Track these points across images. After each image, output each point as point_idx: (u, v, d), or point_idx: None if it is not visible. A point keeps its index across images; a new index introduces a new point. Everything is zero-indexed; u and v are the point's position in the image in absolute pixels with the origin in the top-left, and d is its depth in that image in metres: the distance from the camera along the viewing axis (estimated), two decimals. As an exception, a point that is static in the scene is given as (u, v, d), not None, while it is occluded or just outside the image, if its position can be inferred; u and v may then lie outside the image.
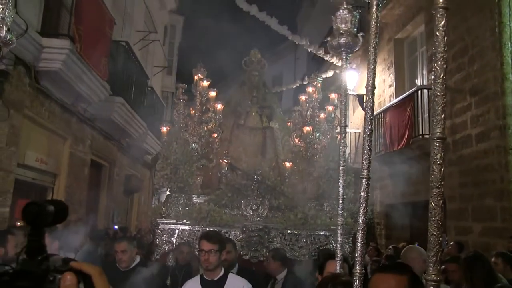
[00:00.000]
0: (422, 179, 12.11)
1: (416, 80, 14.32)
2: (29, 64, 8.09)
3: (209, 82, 8.06)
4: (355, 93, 17.12)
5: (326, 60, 17.57)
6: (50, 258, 1.28)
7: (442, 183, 1.75)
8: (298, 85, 19.84)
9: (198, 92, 7.95)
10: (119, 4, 13.65)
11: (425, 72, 13.48)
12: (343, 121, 2.89)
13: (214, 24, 23.83)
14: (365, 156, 2.58)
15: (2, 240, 5.28)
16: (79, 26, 8.76)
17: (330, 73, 18.23)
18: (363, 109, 16.69)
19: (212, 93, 8.04)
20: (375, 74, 2.60)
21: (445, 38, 1.80)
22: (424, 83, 13.15)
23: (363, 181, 2.61)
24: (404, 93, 13.42)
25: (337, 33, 3.37)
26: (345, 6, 3.37)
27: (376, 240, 14.75)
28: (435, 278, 1.73)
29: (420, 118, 12.04)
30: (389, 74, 15.57)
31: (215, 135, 7.95)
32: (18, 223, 7.31)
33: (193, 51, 25.17)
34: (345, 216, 7.25)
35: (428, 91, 12.05)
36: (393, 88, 15.15)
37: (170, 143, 7.34)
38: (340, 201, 3.38)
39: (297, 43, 15.89)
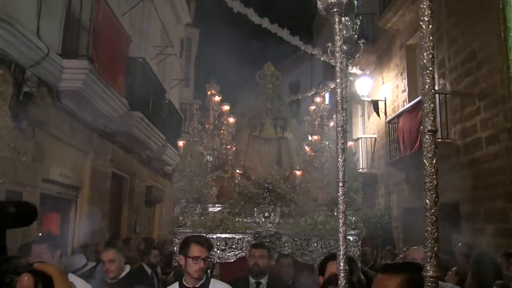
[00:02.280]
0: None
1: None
2: (51, 84, 8.48)
3: (220, 98, 8.37)
4: (369, 99, 17.37)
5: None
6: (12, 260, 1.22)
7: (435, 176, 1.75)
8: (313, 93, 20.08)
9: (211, 107, 8.27)
10: (135, 22, 14.06)
11: (436, 76, 13.68)
12: (341, 122, 2.83)
13: (230, 35, 24.09)
14: (340, 160, 2.64)
15: None
16: (97, 46, 9.14)
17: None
18: (378, 114, 16.96)
19: (226, 107, 8.35)
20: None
21: (430, 27, 1.78)
22: (436, 88, 13.35)
23: (340, 184, 2.63)
24: (417, 97, 13.64)
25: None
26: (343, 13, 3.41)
27: (394, 243, 14.92)
28: (433, 274, 1.69)
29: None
30: (402, 80, 15.76)
31: (229, 147, 8.24)
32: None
33: (210, 62, 25.59)
34: (354, 220, 7.56)
35: (439, 96, 12.28)
36: (406, 94, 15.35)
37: (185, 156, 7.67)
38: (340, 201, 3.43)
39: (309, 52, 16.12)
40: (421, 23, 1.75)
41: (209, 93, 8.38)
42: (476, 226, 10.55)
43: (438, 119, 12.14)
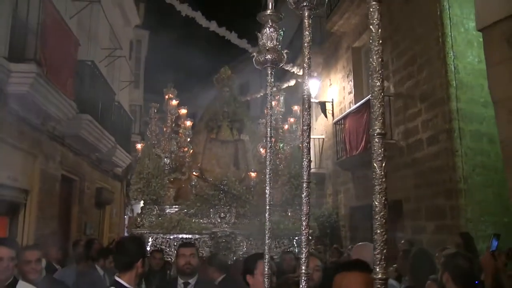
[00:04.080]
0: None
1: (374, 87, 14.92)
2: (-2, 88, 8.48)
3: (177, 101, 8.51)
4: (317, 101, 17.72)
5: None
6: None
7: (384, 179, 1.70)
8: (262, 94, 20.33)
9: (168, 110, 8.40)
10: (84, 24, 14.03)
11: (381, 79, 14.04)
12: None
13: (180, 36, 24.11)
14: (305, 160, 2.50)
15: None
16: (45, 49, 9.14)
17: (292, 82, 18.83)
18: (325, 115, 17.34)
19: (183, 111, 8.50)
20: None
21: (379, 31, 1.72)
22: (380, 90, 13.72)
23: (304, 185, 2.46)
24: (363, 99, 14.02)
25: (264, 49, 3.57)
26: (270, 24, 3.55)
27: (341, 242, 15.29)
28: (381, 276, 1.66)
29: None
30: (348, 82, 16.17)
31: (186, 149, 8.37)
32: None
33: (160, 63, 25.57)
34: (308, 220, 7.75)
35: (383, 98, 12.66)
36: (352, 95, 15.74)
37: (143, 159, 7.77)
38: (267, 207, 3.44)
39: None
40: (370, 26, 1.70)
41: (166, 97, 8.53)
42: (418, 223, 10.95)
43: (382, 121, 12.54)
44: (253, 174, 8.33)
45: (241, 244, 7.48)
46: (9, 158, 9.38)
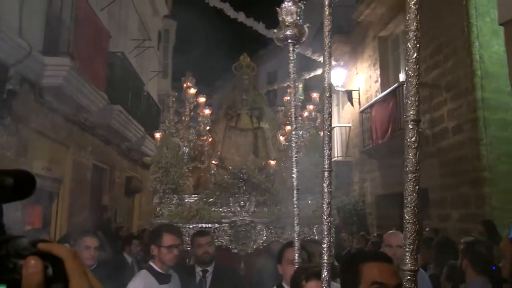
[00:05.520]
0: (404, 171, 12.83)
1: (400, 75, 14.99)
2: (33, 81, 8.74)
3: (196, 90, 8.54)
4: (343, 89, 17.81)
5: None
6: (12, 240, 0.99)
7: (418, 167, 1.69)
8: (289, 83, 20.38)
9: (187, 99, 8.47)
10: (114, 16, 14.29)
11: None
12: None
13: (208, 26, 24.32)
14: (326, 149, 2.52)
15: None
16: (77, 43, 9.43)
17: (319, 71, 18.90)
18: (352, 104, 17.42)
19: (201, 99, 8.55)
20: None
21: (418, 16, 1.73)
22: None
23: (325, 174, 2.51)
24: (389, 88, 14.08)
25: (283, 25, 3.33)
26: None
27: (368, 229, 15.39)
28: (411, 267, 1.63)
29: (402, 112, 12.74)
30: (375, 71, 16.21)
31: (204, 138, 8.41)
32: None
33: (188, 53, 25.78)
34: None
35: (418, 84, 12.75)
36: (378, 84, 15.81)
37: (162, 148, 7.77)
38: (295, 192, 3.40)
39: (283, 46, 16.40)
40: (408, 10, 1.72)
41: (185, 85, 8.51)
42: (443, 212, 11.04)
43: (408, 109, 12.63)
44: (272, 162, 8.28)
45: (261, 232, 7.36)
46: (43, 148, 9.69)
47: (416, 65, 1.67)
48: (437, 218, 11.31)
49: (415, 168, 1.69)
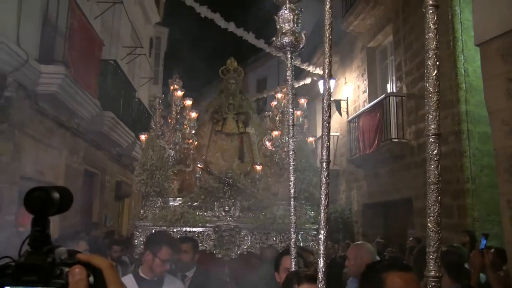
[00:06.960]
0: (390, 180, 13.09)
1: (387, 85, 15.25)
2: (29, 88, 8.94)
3: (183, 92, 8.41)
4: (332, 99, 18.01)
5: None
6: (55, 250, 1.13)
7: (440, 179, 1.76)
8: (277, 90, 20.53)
9: (173, 101, 8.30)
10: (106, 24, 14.50)
11: (394, 79, 14.34)
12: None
13: (199, 32, 24.52)
14: (325, 141, 2.47)
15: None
16: (72, 51, 9.64)
17: (308, 80, 19.20)
18: (340, 113, 17.68)
19: (188, 102, 8.35)
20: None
21: (437, 36, 1.78)
22: (394, 90, 14.07)
23: (323, 164, 2.44)
24: (377, 98, 14.34)
25: (280, 33, 3.39)
26: (287, 6, 3.37)
27: (353, 237, 15.60)
28: (435, 274, 1.70)
29: (390, 122, 13.00)
30: (363, 81, 16.47)
31: (190, 141, 8.36)
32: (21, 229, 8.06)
33: (179, 59, 25.96)
34: (314, 215, 7.62)
35: (395, 98, 13.03)
36: (366, 94, 16.07)
37: (147, 150, 7.72)
38: (292, 201, 3.42)
39: (274, 54, 16.66)
40: (426, 30, 1.77)
41: (171, 87, 8.48)
42: (426, 221, 11.25)
43: (395, 120, 12.90)
44: (258, 168, 8.25)
45: (246, 238, 7.34)
46: (37, 153, 9.87)
47: (437, 82, 1.76)
48: (420, 227, 11.55)
49: (437, 179, 1.77)
